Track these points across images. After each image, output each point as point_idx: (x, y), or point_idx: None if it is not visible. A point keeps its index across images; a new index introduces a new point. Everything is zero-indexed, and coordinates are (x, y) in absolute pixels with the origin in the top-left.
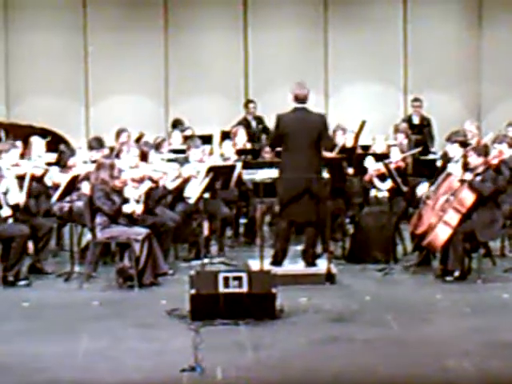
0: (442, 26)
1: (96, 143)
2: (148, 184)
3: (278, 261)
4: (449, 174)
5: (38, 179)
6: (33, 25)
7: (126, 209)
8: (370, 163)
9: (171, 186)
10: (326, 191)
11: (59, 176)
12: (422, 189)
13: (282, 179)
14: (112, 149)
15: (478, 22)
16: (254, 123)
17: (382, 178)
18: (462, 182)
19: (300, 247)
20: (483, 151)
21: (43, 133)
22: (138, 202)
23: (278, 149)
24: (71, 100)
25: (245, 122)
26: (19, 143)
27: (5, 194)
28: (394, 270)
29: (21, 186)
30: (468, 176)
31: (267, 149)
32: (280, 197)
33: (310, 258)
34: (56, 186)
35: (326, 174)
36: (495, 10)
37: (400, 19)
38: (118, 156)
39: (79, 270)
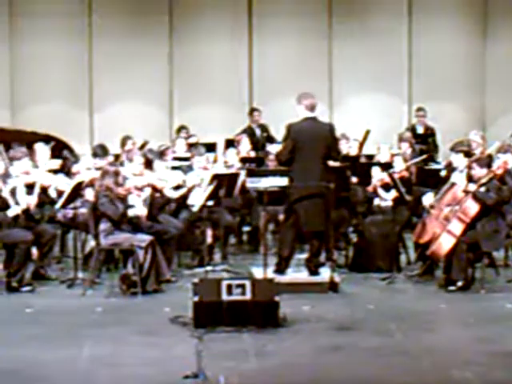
0: (446, 38)
1: (100, 151)
2: (148, 190)
3: (281, 269)
4: (453, 184)
5: (43, 190)
6: (38, 33)
7: (130, 212)
8: (376, 173)
9: (172, 194)
10: (332, 201)
11: (65, 182)
12: (428, 199)
13: (292, 188)
14: (116, 156)
15: (482, 33)
16: (258, 131)
17: (386, 187)
18: (466, 192)
19: (303, 256)
20: (486, 162)
21: (47, 139)
22: (141, 207)
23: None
24: (76, 107)
25: (249, 131)
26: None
27: (12, 194)
28: (398, 279)
29: (29, 194)
30: (472, 187)
31: (271, 157)
32: (289, 205)
33: (313, 267)
34: (60, 193)
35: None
36: (500, 22)
37: (405, 30)
38: (122, 163)
39: (83, 277)
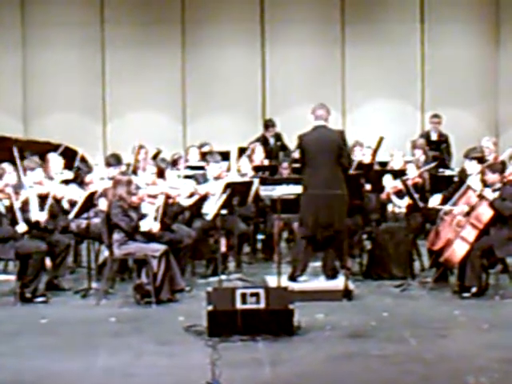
0: (459, 44)
1: (113, 160)
2: (161, 199)
3: (295, 276)
4: (467, 189)
5: (57, 201)
6: (50, 42)
7: (144, 227)
8: (387, 181)
9: (185, 202)
10: (346, 207)
11: (77, 193)
12: (435, 200)
13: (304, 195)
14: (129, 165)
15: (495, 40)
16: (271, 140)
17: (400, 194)
18: (481, 197)
19: (317, 264)
20: (498, 168)
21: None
22: (155, 219)
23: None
24: (88, 117)
25: (263, 139)
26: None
27: (22, 209)
28: (412, 286)
29: (41, 205)
30: (487, 191)
31: (285, 165)
32: (302, 213)
33: (330, 271)
34: (72, 203)
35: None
36: None
37: (417, 37)
38: (135, 173)
39: (96, 287)
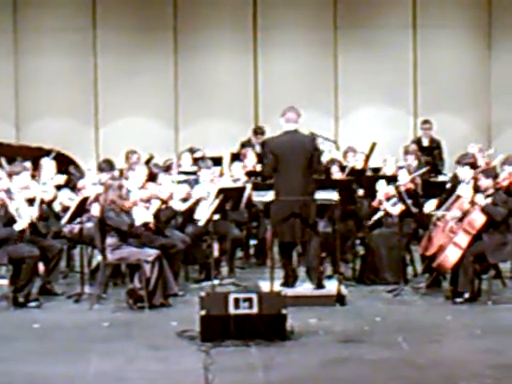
0: (451, 50)
1: (106, 165)
2: (157, 203)
3: (288, 282)
4: (459, 197)
5: (47, 203)
6: (42, 47)
7: (138, 222)
8: (381, 187)
9: (178, 206)
10: (314, 213)
11: (70, 198)
12: (430, 206)
13: (274, 202)
14: (121, 171)
15: (487, 45)
16: (258, 147)
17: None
18: (473, 203)
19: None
20: (492, 173)
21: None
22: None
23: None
24: (81, 122)
25: (248, 144)
26: (29, 165)
27: (16, 210)
28: (404, 291)
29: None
30: (479, 197)
31: None
32: (274, 220)
33: (316, 280)
34: (65, 209)
35: (335, 196)
36: (505, 34)
37: (410, 43)
38: (127, 178)
39: (89, 292)
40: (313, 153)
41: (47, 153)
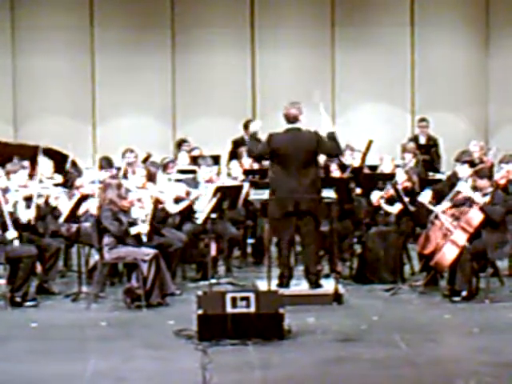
0: (449, 48)
1: (105, 163)
2: (151, 204)
3: (283, 283)
4: (457, 193)
5: (45, 201)
6: (40, 46)
7: (133, 231)
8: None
9: (173, 208)
10: (322, 210)
11: (65, 201)
12: (425, 196)
13: (273, 199)
14: (119, 169)
15: (485, 43)
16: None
17: (390, 200)
18: (471, 201)
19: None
20: (485, 173)
21: (49, 153)
22: (143, 221)
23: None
24: (78, 121)
25: (241, 141)
26: (27, 163)
27: (11, 214)
28: (402, 290)
29: (28, 206)
30: (477, 196)
31: None
32: (270, 216)
33: (312, 279)
34: (62, 208)
35: (332, 195)
36: (502, 32)
37: (407, 41)
38: (124, 176)
39: (87, 291)
40: (319, 144)
41: (44, 151)
